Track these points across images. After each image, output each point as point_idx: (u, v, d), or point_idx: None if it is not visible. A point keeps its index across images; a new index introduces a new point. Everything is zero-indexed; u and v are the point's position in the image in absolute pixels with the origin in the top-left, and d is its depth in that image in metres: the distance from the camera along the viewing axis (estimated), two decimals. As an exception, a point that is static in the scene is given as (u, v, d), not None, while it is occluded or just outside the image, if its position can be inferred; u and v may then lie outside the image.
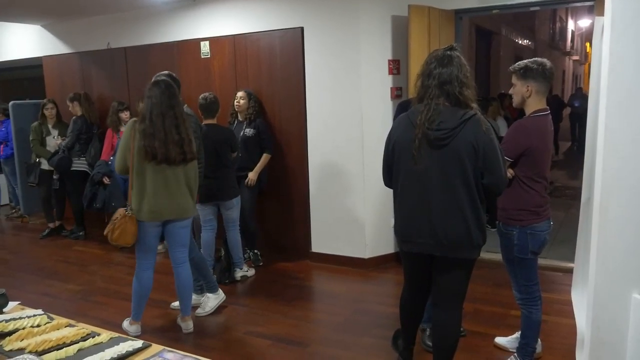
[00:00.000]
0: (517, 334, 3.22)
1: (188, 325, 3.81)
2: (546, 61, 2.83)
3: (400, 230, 2.69)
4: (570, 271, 4.27)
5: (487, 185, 2.52)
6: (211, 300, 4.16)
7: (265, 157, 5.05)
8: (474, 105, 2.53)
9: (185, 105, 3.93)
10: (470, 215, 2.52)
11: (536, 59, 2.87)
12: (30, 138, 6.25)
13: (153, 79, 3.59)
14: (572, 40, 23.98)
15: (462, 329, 3.56)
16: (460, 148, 2.46)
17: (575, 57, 25.65)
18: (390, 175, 2.72)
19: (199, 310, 4.10)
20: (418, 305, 2.92)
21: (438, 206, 2.53)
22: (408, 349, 3.03)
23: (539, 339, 3.14)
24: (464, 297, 2.77)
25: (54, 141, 6.20)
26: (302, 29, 5.06)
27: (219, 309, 4.19)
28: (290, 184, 5.35)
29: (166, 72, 3.97)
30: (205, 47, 5.62)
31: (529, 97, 2.82)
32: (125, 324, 3.77)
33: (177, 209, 3.54)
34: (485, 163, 2.47)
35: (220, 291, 4.24)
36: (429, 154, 2.51)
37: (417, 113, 2.54)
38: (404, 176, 2.61)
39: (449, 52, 2.55)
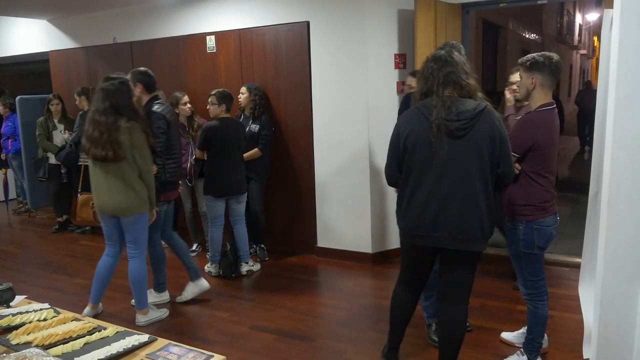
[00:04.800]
0: (524, 329, 3.21)
1: (138, 319, 3.84)
2: (554, 55, 2.81)
3: (412, 224, 2.64)
4: (576, 266, 4.25)
5: (501, 175, 2.57)
6: (150, 297, 4.13)
7: (254, 151, 4.97)
8: (480, 94, 2.58)
9: (157, 102, 3.93)
10: (483, 207, 2.53)
11: (544, 52, 2.85)
12: (37, 133, 6.28)
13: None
14: (580, 34, 23.81)
15: (467, 323, 3.56)
16: (478, 139, 2.48)
17: (583, 51, 25.49)
18: (400, 171, 2.68)
19: (134, 300, 4.06)
20: (411, 303, 2.89)
21: (455, 198, 2.52)
22: (393, 349, 2.99)
23: (545, 334, 3.12)
24: (471, 291, 2.77)
25: (60, 135, 6.23)
26: (307, 23, 5.04)
27: (224, 302, 4.21)
28: (296, 178, 5.35)
29: (142, 68, 4.02)
30: (211, 41, 5.61)
31: (533, 89, 2.81)
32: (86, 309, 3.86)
33: (116, 207, 3.58)
34: (502, 152, 2.53)
35: (166, 293, 4.26)
36: (448, 144, 2.50)
37: (430, 107, 2.53)
38: (420, 169, 2.58)
39: (449, 49, 2.65)
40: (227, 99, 4.63)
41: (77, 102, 6.18)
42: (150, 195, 3.66)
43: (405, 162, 2.64)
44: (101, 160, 3.50)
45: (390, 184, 2.81)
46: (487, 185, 2.53)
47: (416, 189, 2.60)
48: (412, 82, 3.84)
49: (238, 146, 4.67)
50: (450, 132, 2.49)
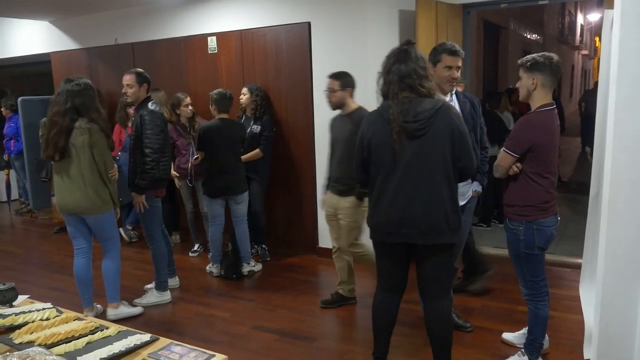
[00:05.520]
0: (525, 330, 3.21)
1: (108, 313, 3.90)
2: (554, 55, 2.82)
3: (381, 221, 2.71)
4: (578, 267, 4.25)
5: (462, 168, 2.63)
6: (153, 297, 4.22)
7: (255, 153, 4.98)
8: (437, 94, 2.66)
9: (152, 102, 4.06)
10: (447, 201, 2.61)
11: (544, 53, 2.85)
12: (40, 134, 6.27)
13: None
14: (582, 35, 23.79)
15: (468, 324, 3.57)
16: (438, 136, 2.55)
17: (585, 52, 25.47)
18: (366, 173, 2.76)
19: (136, 299, 4.20)
20: (392, 308, 2.89)
21: (419, 195, 2.59)
22: (381, 359, 2.98)
23: (546, 335, 3.13)
24: (452, 284, 2.83)
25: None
26: (309, 24, 5.05)
27: (226, 303, 4.22)
28: (297, 178, 5.35)
29: (141, 69, 4.14)
30: (212, 42, 5.63)
31: (534, 90, 2.81)
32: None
33: (76, 206, 3.66)
34: (462, 147, 2.59)
35: (167, 293, 4.29)
36: (408, 145, 2.57)
37: (388, 108, 2.60)
38: (385, 170, 2.65)
39: (405, 47, 2.66)
40: (219, 100, 4.63)
41: None
42: (112, 195, 3.74)
43: (371, 164, 2.71)
44: (50, 159, 3.64)
45: (360, 182, 2.89)
46: (449, 180, 2.61)
47: (383, 189, 2.67)
48: (333, 84, 3.74)
49: (232, 147, 4.64)
50: (409, 133, 2.56)
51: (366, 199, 3.52)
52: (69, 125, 3.57)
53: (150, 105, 3.99)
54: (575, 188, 8.04)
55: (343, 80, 3.72)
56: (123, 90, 4.02)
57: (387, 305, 2.89)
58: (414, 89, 2.58)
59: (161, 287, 4.26)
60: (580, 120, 11.72)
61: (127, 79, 4.01)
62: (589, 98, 11.55)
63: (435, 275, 2.74)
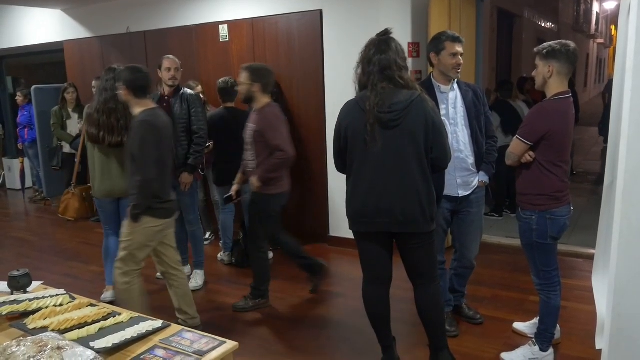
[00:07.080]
0: (536, 320, 3.20)
1: (106, 295, 4.09)
2: (570, 43, 2.78)
3: (357, 211, 2.72)
4: (591, 257, 4.21)
5: (435, 159, 2.65)
6: (199, 278, 4.44)
7: None
8: (415, 85, 2.66)
9: (192, 90, 4.24)
10: (422, 191, 2.62)
11: (560, 40, 2.81)
12: (51, 122, 6.34)
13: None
14: (597, 23, 23.44)
15: (478, 316, 3.56)
16: (412, 127, 2.56)
17: (600, 40, 25.10)
18: (343, 161, 2.77)
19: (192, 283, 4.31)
20: (382, 300, 2.87)
21: (393, 185, 2.60)
22: (390, 348, 2.97)
23: (557, 325, 3.11)
24: (437, 267, 2.85)
25: (75, 124, 6.29)
26: (320, 11, 5.01)
27: (237, 290, 4.24)
28: (308, 167, 5.35)
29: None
30: (223, 30, 5.61)
31: (550, 77, 2.77)
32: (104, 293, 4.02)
33: (124, 189, 3.73)
34: (435, 138, 2.60)
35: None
36: (382, 135, 2.58)
37: (365, 99, 2.61)
38: (360, 159, 2.66)
39: (385, 37, 2.67)
40: (222, 89, 4.65)
41: (94, 89, 6.23)
42: None
43: (347, 153, 2.72)
44: (116, 146, 3.68)
45: (338, 171, 2.89)
46: (424, 170, 2.62)
47: (358, 179, 2.69)
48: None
49: (235, 136, 4.53)
50: (384, 124, 2.57)
51: (145, 219, 3.12)
52: (128, 109, 3.63)
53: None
54: (595, 179, 7.94)
55: (123, 80, 3.24)
56: (171, 74, 4.12)
57: (376, 299, 2.88)
58: (393, 80, 2.60)
59: (200, 265, 4.46)
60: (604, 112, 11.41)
61: (173, 62, 4.15)
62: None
63: (417, 262, 2.76)
